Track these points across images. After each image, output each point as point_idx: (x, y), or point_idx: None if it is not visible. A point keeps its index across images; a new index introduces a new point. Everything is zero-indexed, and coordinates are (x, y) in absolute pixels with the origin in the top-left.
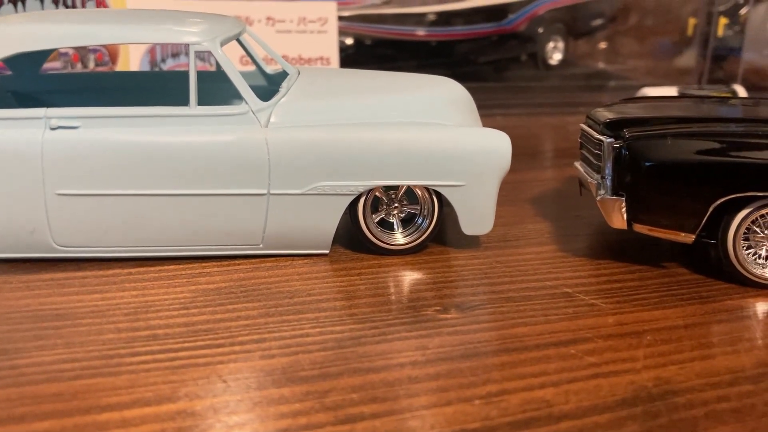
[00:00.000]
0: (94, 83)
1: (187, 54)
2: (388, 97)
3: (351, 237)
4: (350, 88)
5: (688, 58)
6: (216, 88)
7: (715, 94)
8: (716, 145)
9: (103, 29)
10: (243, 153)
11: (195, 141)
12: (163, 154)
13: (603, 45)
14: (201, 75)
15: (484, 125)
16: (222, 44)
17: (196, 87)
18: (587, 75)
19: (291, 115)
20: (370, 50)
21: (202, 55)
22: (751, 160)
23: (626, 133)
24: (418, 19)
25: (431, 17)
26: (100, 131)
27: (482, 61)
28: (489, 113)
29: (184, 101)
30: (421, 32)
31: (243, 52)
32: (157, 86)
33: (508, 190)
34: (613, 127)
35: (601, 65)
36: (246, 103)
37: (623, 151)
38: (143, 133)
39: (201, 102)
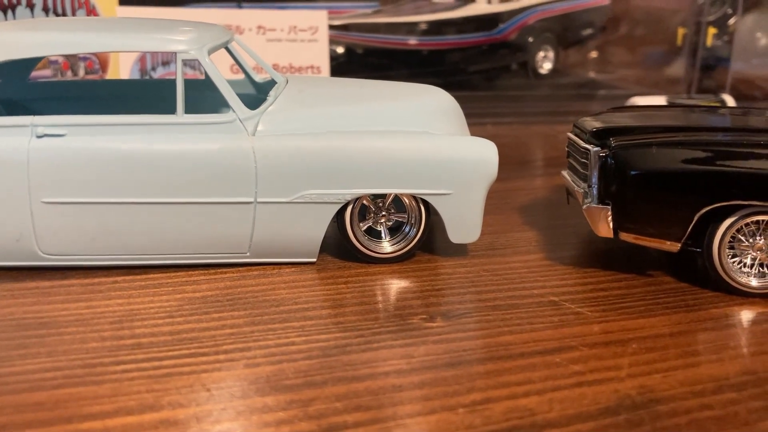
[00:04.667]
0: (83, 91)
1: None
2: (376, 106)
3: (339, 245)
4: (338, 96)
5: (677, 68)
6: (206, 96)
7: (703, 104)
8: (701, 154)
9: (91, 37)
10: (230, 161)
11: (182, 149)
12: (149, 162)
13: (593, 54)
14: (191, 83)
15: (474, 134)
16: (209, 53)
17: (183, 95)
18: (577, 84)
19: (278, 124)
20: (361, 59)
21: (192, 64)
22: (736, 168)
23: (612, 142)
24: (410, 28)
25: (423, 26)
26: (86, 139)
27: (473, 70)
28: (480, 122)
29: (173, 109)
30: (412, 41)
31: (233, 61)
32: (147, 94)
33: (497, 199)
34: (599, 136)
35: (591, 74)
36: (233, 111)
37: (609, 160)
38: (130, 141)
39: (190, 110)
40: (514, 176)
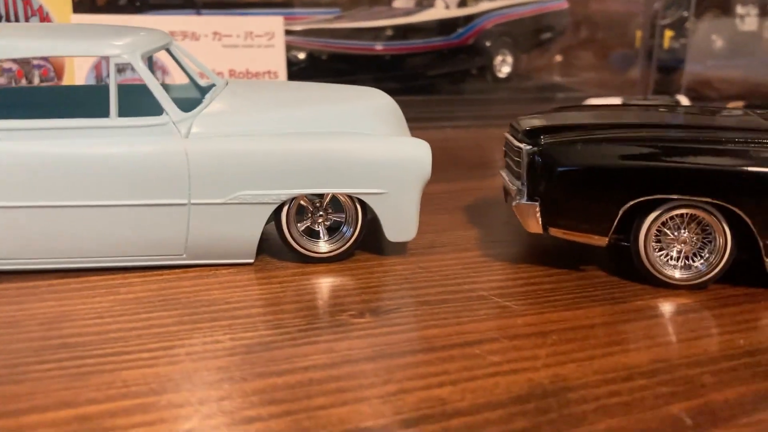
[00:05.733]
0: (29, 98)
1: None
2: (313, 108)
3: (279, 246)
4: (276, 99)
5: (636, 70)
6: (149, 100)
7: (657, 104)
8: (625, 151)
9: (24, 42)
10: (163, 163)
11: (115, 152)
12: (83, 166)
13: (556, 58)
14: (134, 87)
15: (433, 137)
16: (143, 57)
17: (116, 98)
18: (536, 87)
19: (212, 126)
20: (323, 64)
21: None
22: (657, 164)
23: (542, 140)
24: (371, 33)
25: (387, 32)
26: (20, 143)
27: (432, 75)
28: (439, 125)
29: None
30: (374, 46)
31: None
32: (89, 99)
33: (445, 199)
34: (532, 135)
35: (549, 78)
36: (166, 113)
37: (536, 158)
38: (63, 145)
39: (133, 113)
40: (466, 177)
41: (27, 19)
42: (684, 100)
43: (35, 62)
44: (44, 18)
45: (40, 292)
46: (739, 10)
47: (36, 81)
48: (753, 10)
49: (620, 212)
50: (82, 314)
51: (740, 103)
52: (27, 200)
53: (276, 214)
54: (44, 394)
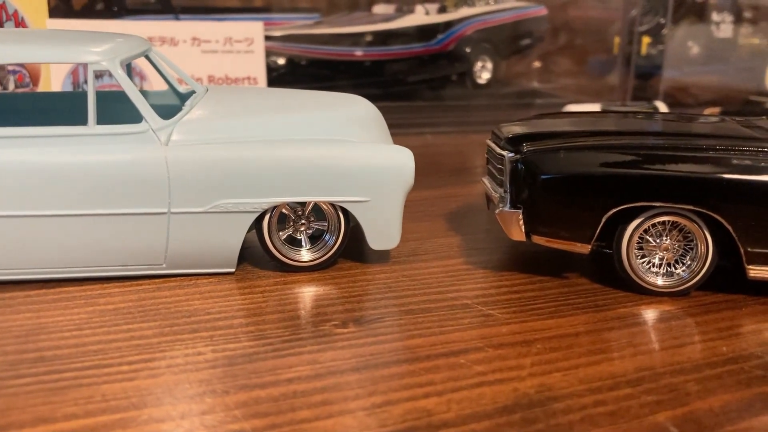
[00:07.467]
0: (6, 105)
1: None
2: (294, 116)
3: (261, 255)
4: (256, 106)
5: (615, 76)
6: (128, 108)
7: (636, 110)
8: (608, 158)
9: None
10: (142, 171)
11: (93, 160)
12: (61, 174)
13: (534, 64)
14: (113, 94)
15: (413, 143)
16: (122, 63)
17: (95, 106)
18: (516, 93)
19: (193, 133)
20: (303, 70)
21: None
22: (640, 171)
23: (524, 147)
24: (351, 39)
25: (367, 38)
26: None
27: (412, 81)
28: (419, 132)
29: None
30: (354, 52)
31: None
32: (68, 106)
33: (426, 206)
34: (514, 142)
35: (529, 84)
36: (146, 121)
37: (519, 165)
38: (41, 153)
39: (111, 121)
40: (447, 184)
41: (1, 24)
42: (662, 106)
43: (10, 68)
44: (19, 23)
45: (16, 304)
46: (715, 17)
47: (11, 87)
48: (728, 18)
49: (603, 219)
50: (59, 326)
51: (716, 110)
52: (2, 209)
53: (257, 223)
54: (20, 409)
